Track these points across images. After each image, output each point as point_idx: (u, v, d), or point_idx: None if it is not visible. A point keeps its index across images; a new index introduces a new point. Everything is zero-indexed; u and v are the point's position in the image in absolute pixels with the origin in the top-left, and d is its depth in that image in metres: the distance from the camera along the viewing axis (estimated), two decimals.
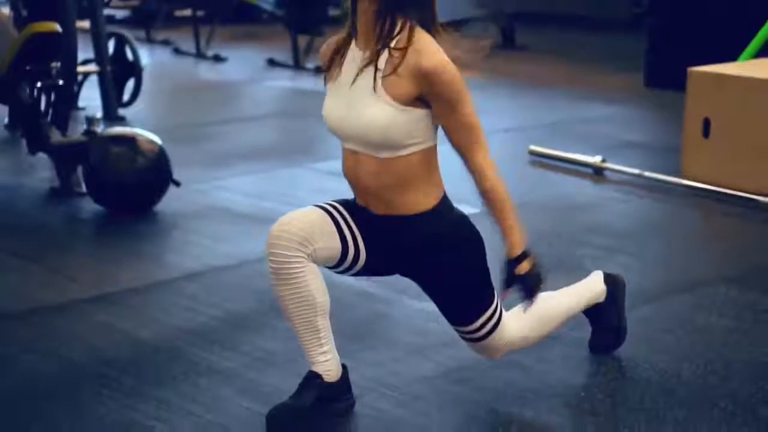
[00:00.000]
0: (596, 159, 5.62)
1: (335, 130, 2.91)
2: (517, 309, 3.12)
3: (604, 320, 3.40)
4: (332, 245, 2.87)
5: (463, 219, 2.97)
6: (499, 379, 3.25)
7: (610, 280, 3.42)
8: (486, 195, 2.90)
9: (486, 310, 3.01)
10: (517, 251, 2.91)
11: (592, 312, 3.38)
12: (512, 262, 2.91)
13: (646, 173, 5.45)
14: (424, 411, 3.05)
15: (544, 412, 3.06)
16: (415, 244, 2.91)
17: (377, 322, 3.70)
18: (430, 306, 3.77)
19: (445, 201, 2.93)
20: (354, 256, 2.91)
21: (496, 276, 2.97)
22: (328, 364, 2.95)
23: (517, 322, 3.12)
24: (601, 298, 3.38)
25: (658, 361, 3.39)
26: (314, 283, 2.85)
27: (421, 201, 2.88)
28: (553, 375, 3.30)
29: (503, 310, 3.07)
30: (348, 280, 4.05)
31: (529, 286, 2.94)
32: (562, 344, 3.49)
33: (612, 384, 3.23)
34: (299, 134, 6.65)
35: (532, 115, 7.21)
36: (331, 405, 2.96)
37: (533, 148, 5.96)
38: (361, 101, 2.79)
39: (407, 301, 3.83)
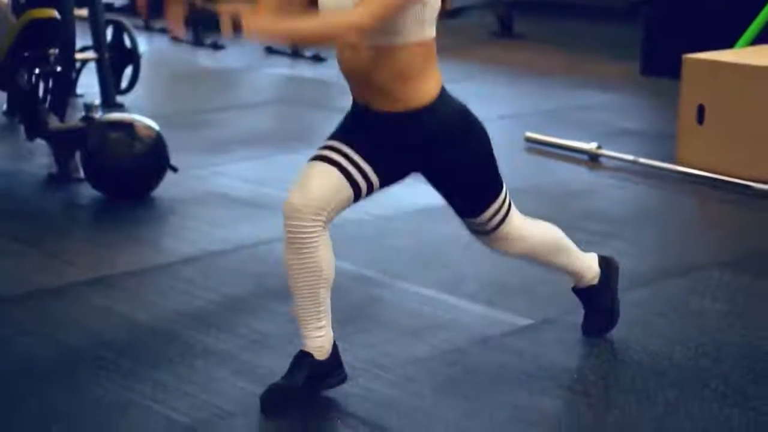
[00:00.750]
0: (592, 146, 5.65)
1: None
2: (534, 220, 3.29)
3: (596, 303, 3.42)
4: (345, 196, 2.92)
5: (466, 109, 3.00)
6: (492, 362, 3.28)
7: (603, 263, 3.45)
8: None
9: (495, 198, 3.08)
10: None
11: (585, 294, 3.41)
12: None
13: (641, 160, 5.47)
14: (417, 392, 3.08)
15: (537, 394, 3.09)
16: (422, 139, 2.93)
17: (372, 305, 3.73)
18: (424, 290, 3.82)
19: (444, 93, 2.95)
20: (367, 188, 2.95)
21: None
22: (321, 341, 2.98)
23: (532, 226, 3.24)
24: (595, 281, 3.40)
25: (650, 343, 3.42)
26: (325, 256, 2.91)
27: (422, 93, 2.89)
28: (546, 358, 3.33)
29: (512, 204, 3.16)
30: (343, 264, 4.09)
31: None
32: (556, 328, 3.52)
33: (604, 366, 3.26)
34: (297, 121, 6.66)
35: (529, 102, 7.23)
36: (323, 382, 3.00)
37: (529, 135, 5.99)
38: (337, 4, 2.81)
39: (402, 285, 3.86)
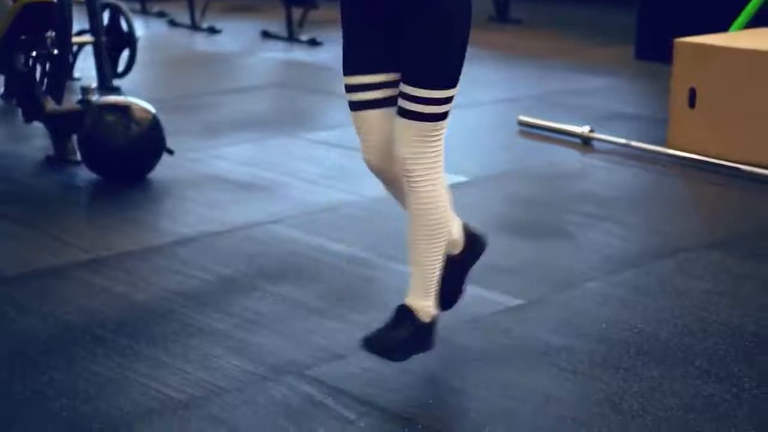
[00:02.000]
0: (584, 129, 5.70)
1: None
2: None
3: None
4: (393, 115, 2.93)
5: None
6: (482, 340, 3.35)
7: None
8: None
9: (443, 87, 2.89)
10: None
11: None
12: None
13: (633, 143, 5.53)
14: (408, 369, 3.13)
15: (525, 371, 3.15)
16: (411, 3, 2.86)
17: (365, 285, 3.79)
18: None
19: None
20: (396, 86, 2.93)
21: None
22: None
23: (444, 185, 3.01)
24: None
25: (637, 322, 3.48)
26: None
27: None
28: (534, 336, 3.40)
29: (442, 144, 2.97)
30: (338, 246, 4.16)
31: None
32: (545, 308, 3.59)
33: (591, 345, 3.32)
34: (292, 105, 6.72)
35: (523, 86, 7.28)
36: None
37: (522, 118, 6.04)
38: None
39: (395, 266, 3.92)
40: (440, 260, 3.04)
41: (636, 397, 2.98)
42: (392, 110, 2.94)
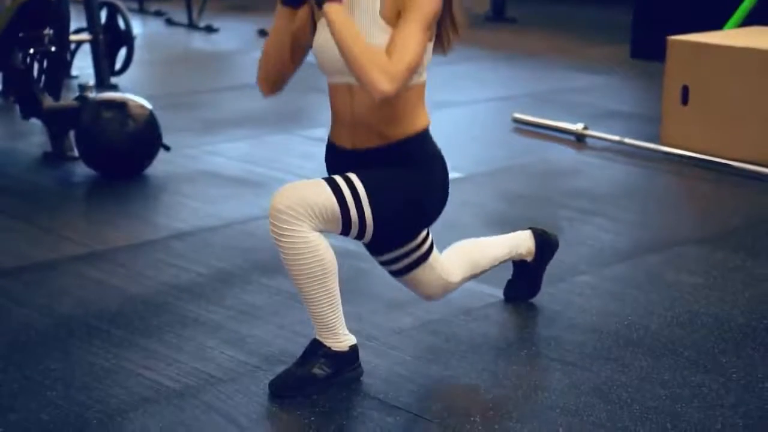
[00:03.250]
0: (578, 126, 5.75)
1: (330, 63, 2.93)
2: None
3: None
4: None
5: (440, 157, 3.03)
6: (473, 332, 3.39)
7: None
8: None
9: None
10: None
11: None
12: None
13: (627, 140, 5.57)
14: (400, 360, 3.18)
15: (515, 361, 3.19)
16: (386, 160, 2.96)
17: (358, 278, 3.83)
18: None
19: (428, 134, 3.01)
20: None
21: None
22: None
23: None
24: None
25: (627, 315, 3.52)
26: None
27: (409, 129, 2.95)
28: (526, 328, 3.44)
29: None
30: (331, 240, 4.18)
31: None
32: (537, 300, 3.62)
33: (581, 336, 3.36)
34: (288, 103, 6.73)
35: (519, 84, 7.32)
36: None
37: (517, 115, 6.08)
38: (362, 31, 2.82)
39: None
40: None
41: (624, 387, 3.02)
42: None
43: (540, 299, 3.62)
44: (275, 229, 2.87)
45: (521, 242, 3.51)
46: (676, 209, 4.78)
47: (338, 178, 2.91)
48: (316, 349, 2.99)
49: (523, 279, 3.58)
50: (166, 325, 3.41)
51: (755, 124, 5.26)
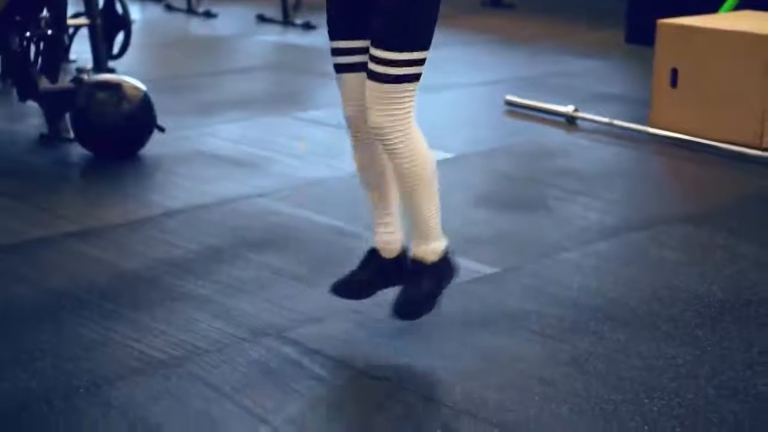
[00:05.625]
0: (569, 108, 5.80)
1: None
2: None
3: (421, 281, 3.19)
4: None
5: None
6: (457, 306, 3.45)
7: (449, 255, 3.23)
8: None
9: (414, 48, 2.96)
10: None
11: (416, 265, 3.20)
12: None
13: (616, 122, 5.63)
14: (383, 332, 3.25)
15: (496, 334, 3.26)
16: None
17: (347, 255, 3.89)
18: None
19: None
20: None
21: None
22: (386, 237, 3.23)
23: (420, 138, 3.07)
24: (434, 259, 3.18)
25: (608, 290, 3.59)
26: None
27: None
28: (508, 303, 3.51)
29: (414, 99, 3.04)
30: (321, 218, 4.27)
31: None
32: (520, 276, 3.69)
33: (562, 310, 3.43)
34: (285, 86, 6.82)
35: (513, 69, 7.37)
36: (386, 281, 3.26)
37: (509, 98, 6.14)
38: None
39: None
40: (436, 204, 3.15)
41: (601, 359, 3.10)
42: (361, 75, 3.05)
43: (523, 274, 3.69)
44: (386, 143, 3.02)
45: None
46: (662, 189, 4.85)
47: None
48: (422, 268, 3.17)
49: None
50: (156, 298, 3.49)
51: (742, 106, 5.32)
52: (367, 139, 3.13)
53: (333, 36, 3.13)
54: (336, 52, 3.12)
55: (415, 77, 3.00)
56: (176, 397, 2.87)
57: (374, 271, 3.26)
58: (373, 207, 3.26)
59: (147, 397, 2.87)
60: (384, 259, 3.25)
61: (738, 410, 2.82)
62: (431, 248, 3.17)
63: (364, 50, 3.05)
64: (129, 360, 3.06)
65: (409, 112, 3.01)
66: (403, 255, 3.25)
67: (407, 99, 2.99)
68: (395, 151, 3.02)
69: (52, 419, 2.75)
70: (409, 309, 3.18)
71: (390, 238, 3.24)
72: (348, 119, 3.16)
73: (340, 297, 3.29)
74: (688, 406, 2.84)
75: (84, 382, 2.92)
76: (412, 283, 3.19)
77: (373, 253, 3.27)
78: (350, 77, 3.11)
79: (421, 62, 3.00)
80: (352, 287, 3.27)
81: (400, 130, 2.99)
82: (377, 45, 2.97)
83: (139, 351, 3.12)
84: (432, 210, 3.14)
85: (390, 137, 3.00)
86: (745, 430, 2.73)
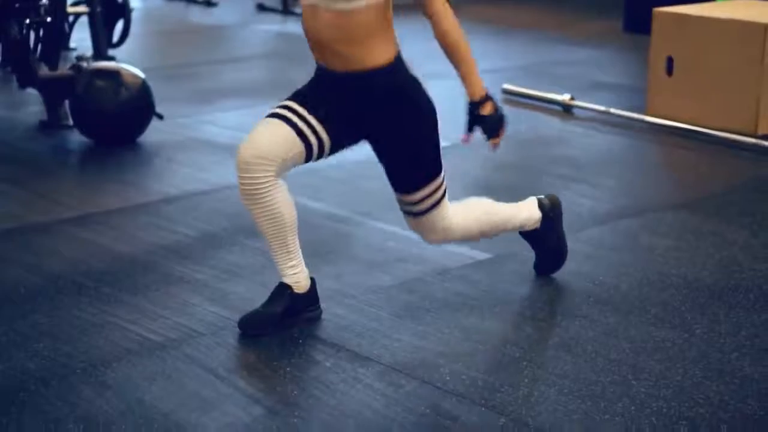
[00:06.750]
0: (565, 97, 5.84)
1: None
2: (462, 203, 3.35)
3: (543, 244, 3.56)
4: (296, 152, 3.05)
5: (418, 81, 3.12)
6: (449, 290, 3.50)
7: (545, 205, 3.55)
8: (443, 38, 3.06)
9: (432, 180, 3.16)
10: (478, 94, 3.10)
11: (532, 237, 3.56)
12: (474, 105, 3.10)
13: (612, 110, 5.67)
14: (376, 316, 3.30)
15: (487, 318, 3.31)
16: (374, 99, 3.05)
17: (341, 240, 3.94)
18: (390, 226, 4.03)
19: (400, 58, 3.08)
20: (319, 147, 3.09)
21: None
22: (296, 277, 3.19)
23: (460, 212, 3.31)
24: (538, 225, 3.53)
25: (599, 275, 3.63)
26: (282, 202, 3.08)
27: (378, 56, 3.01)
28: (499, 287, 3.55)
29: (447, 196, 3.24)
30: (317, 204, 4.31)
31: (491, 127, 3.13)
32: (513, 262, 3.73)
33: (553, 295, 3.48)
34: (284, 74, 6.85)
35: (511, 57, 7.41)
36: (299, 315, 3.21)
37: (507, 86, 6.18)
38: None
39: (369, 222, 4.07)
40: (511, 222, 3.48)
41: (590, 341, 3.14)
42: (296, 138, 3.06)
43: (516, 260, 3.73)
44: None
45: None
46: (656, 176, 4.89)
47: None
48: (535, 234, 3.51)
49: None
50: (153, 283, 3.53)
51: (737, 94, 5.36)
52: (254, 187, 3.05)
53: (296, 100, 3.10)
54: (286, 108, 3.09)
55: (442, 197, 3.23)
56: (172, 379, 2.91)
57: (287, 305, 3.19)
58: (275, 255, 3.18)
59: (143, 378, 2.91)
60: (297, 293, 3.20)
61: (723, 391, 2.86)
62: (532, 222, 3.50)
63: (301, 114, 3.07)
64: (125, 342, 3.11)
65: (445, 216, 3.27)
66: (312, 284, 3.25)
67: (440, 209, 3.23)
68: (432, 229, 3.30)
69: (50, 399, 2.79)
70: (552, 267, 3.58)
71: (300, 277, 3.21)
72: (240, 160, 3.03)
73: (249, 332, 3.15)
74: (675, 387, 2.88)
75: (81, 363, 2.97)
76: (537, 246, 3.56)
77: (284, 288, 3.20)
78: (272, 123, 3.06)
79: (441, 183, 3.20)
80: (265, 321, 3.18)
81: (453, 229, 3.30)
82: (400, 191, 3.21)
83: (135, 333, 3.16)
84: (501, 227, 3.46)
85: (451, 239, 3.36)
86: (730, 411, 2.77)
